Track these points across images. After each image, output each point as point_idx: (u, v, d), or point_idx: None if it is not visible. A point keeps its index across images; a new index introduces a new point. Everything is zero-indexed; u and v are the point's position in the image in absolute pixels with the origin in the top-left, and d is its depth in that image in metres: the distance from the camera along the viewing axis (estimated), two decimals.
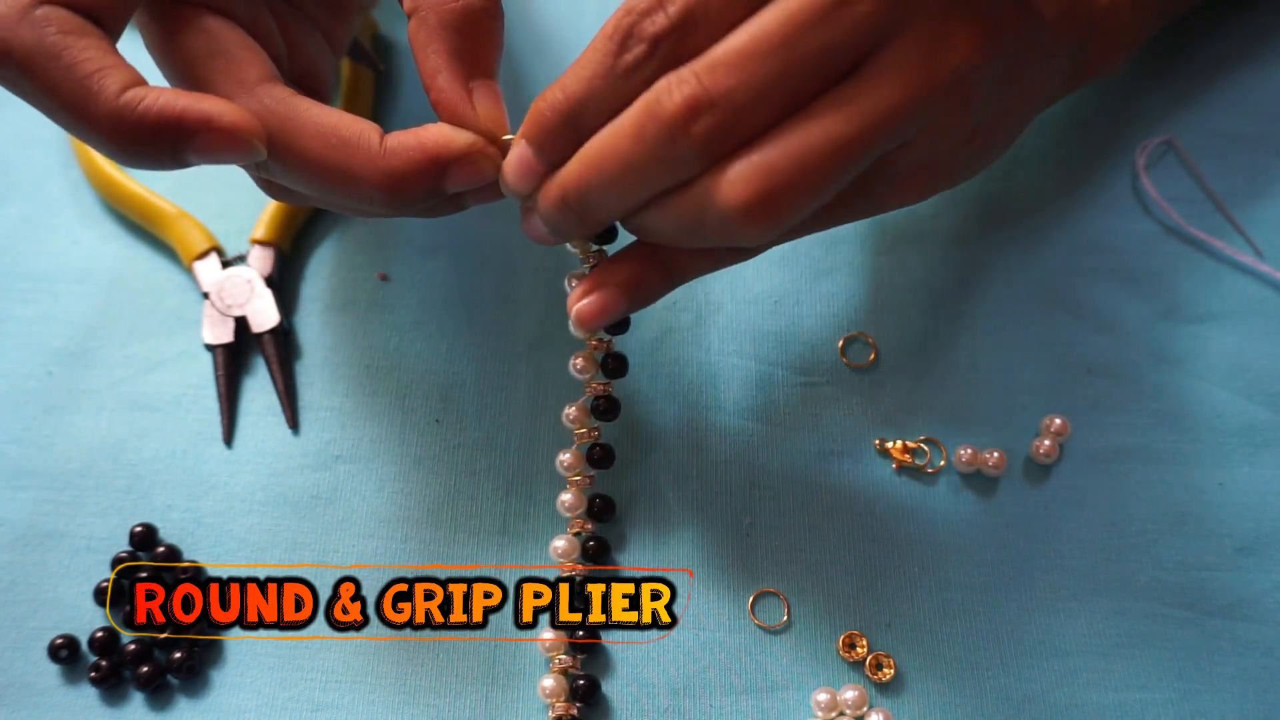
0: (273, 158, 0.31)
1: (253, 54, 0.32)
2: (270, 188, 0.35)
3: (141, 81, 0.29)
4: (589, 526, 0.38)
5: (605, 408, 0.38)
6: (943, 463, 0.39)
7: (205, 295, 0.42)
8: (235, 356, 0.41)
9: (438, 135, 0.32)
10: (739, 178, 0.30)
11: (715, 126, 0.29)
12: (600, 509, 0.38)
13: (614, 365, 0.37)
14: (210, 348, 0.41)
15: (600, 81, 0.31)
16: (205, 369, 0.41)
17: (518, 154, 0.32)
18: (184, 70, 0.32)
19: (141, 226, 0.44)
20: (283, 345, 0.41)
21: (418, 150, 0.32)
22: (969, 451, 0.39)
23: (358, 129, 0.32)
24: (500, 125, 0.33)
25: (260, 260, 0.42)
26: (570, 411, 0.38)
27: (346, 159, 0.31)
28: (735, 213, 0.30)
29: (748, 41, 0.29)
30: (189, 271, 0.42)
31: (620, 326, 0.36)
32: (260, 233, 0.42)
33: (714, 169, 0.30)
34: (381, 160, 0.32)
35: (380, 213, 0.34)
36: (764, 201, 0.30)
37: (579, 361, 0.37)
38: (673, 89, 0.29)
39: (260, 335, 0.41)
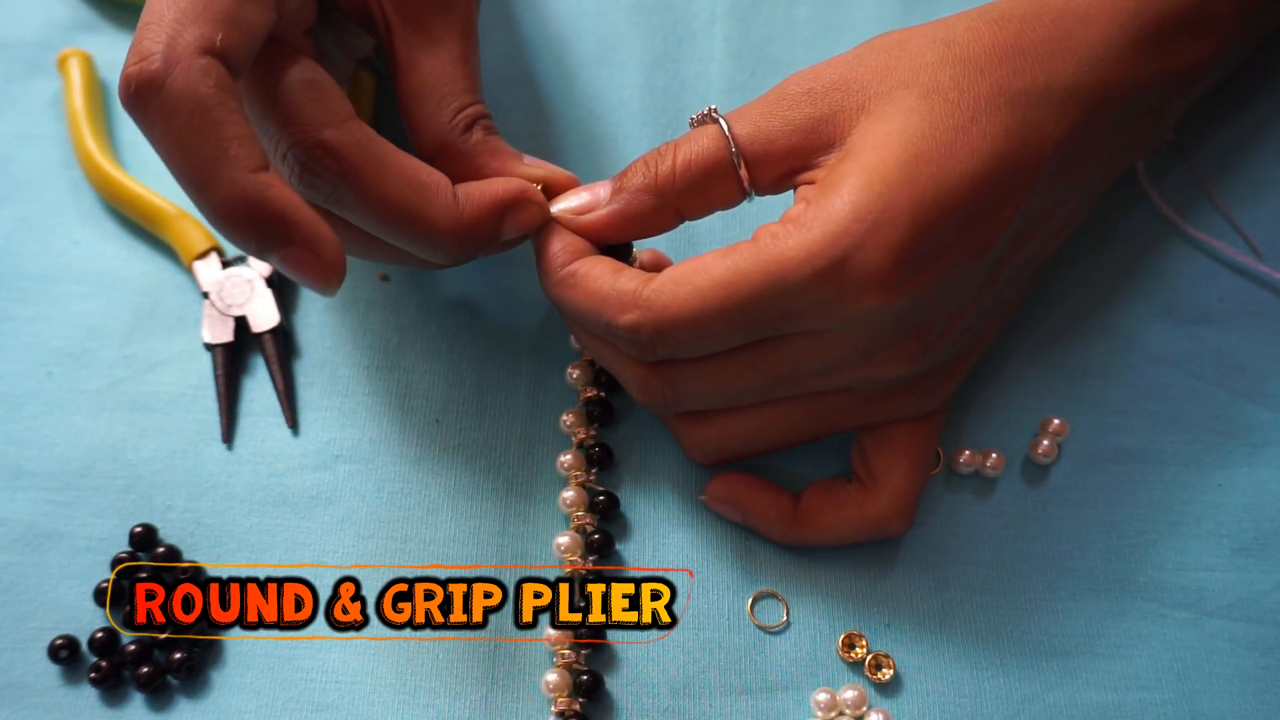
0: (357, 195, 0.32)
1: (338, 90, 0.33)
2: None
3: (267, 165, 0.29)
4: (591, 522, 0.38)
5: (600, 412, 0.39)
6: (941, 465, 0.39)
7: (205, 295, 0.42)
8: (235, 356, 0.41)
9: (501, 183, 0.35)
10: (701, 441, 0.37)
11: (682, 405, 0.36)
12: (604, 504, 0.38)
13: (608, 376, 0.39)
14: (210, 347, 0.41)
15: (590, 317, 0.34)
16: (205, 369, 0.41)
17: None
18: (278, 97, 0.32)
19: (141, 226, 0.44)
20: (283, 345, 0.41)
21: (489, 198, 0.34)
22: (967, 453, 0.39)
23: (435, 177, 0.33)
24: (562, 176, 0.37)
25: (260, 260, 0.42)
26: (567, 418, 0.39)
27: (426, 205, 0.33)
28: (695, 458, 0.38)
29: (720, 374, 0.34)
30: (189, 271, 0.42)
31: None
32: None
33: (681, 419, 0.37)
34: (456, 209, 0.33)
35: (437, 261, 0.35)
36: (721, 460, 0.38)
37: (574, 371, 0.40)
38: (650, 386, 0.35)
39: (260, 335, 0.41)
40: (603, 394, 0.40)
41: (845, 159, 0.32)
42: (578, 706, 0.35)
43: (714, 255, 0.32)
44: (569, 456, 0.39)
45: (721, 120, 0.34)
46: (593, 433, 0.39)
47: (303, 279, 0.30)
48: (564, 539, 0.37)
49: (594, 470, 0.39)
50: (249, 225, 0.29)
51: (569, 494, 0.38)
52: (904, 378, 0.34)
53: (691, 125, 0.35)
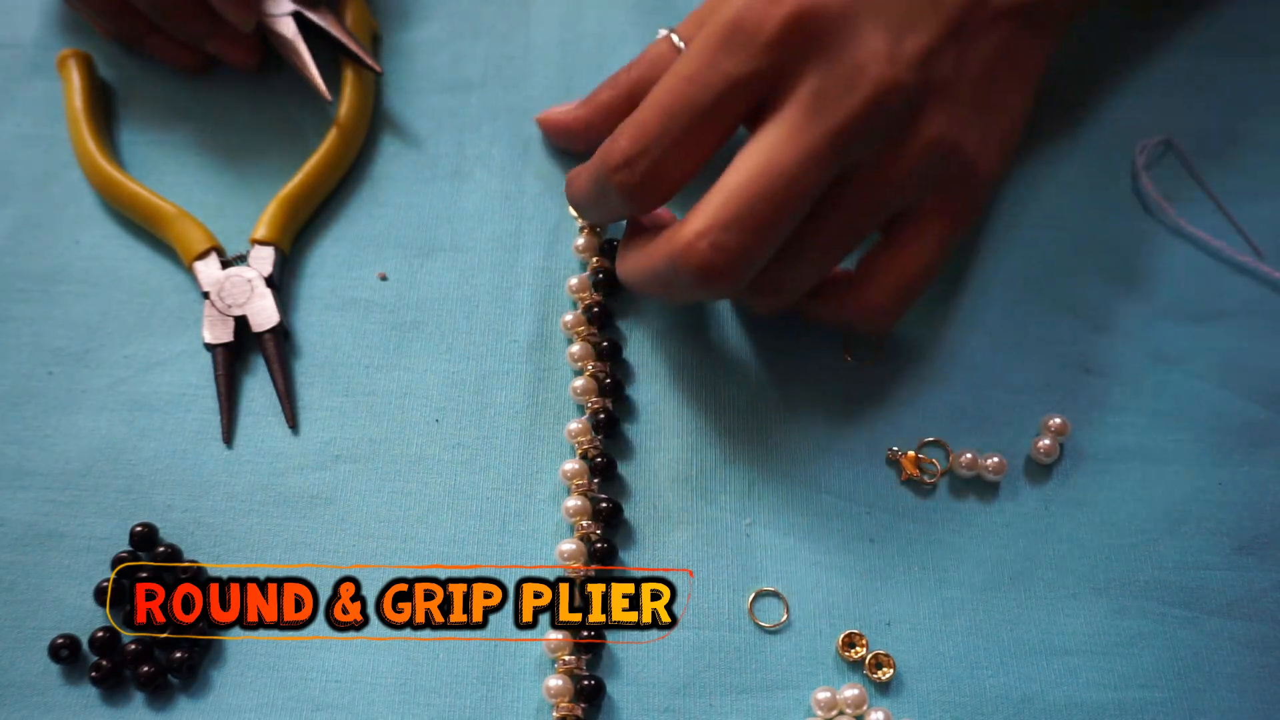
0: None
1: None
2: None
3: None
4: (595, 530, 0.38)
5: (606, 423, 0.39)
6: (945, 468, 0.39)
7: (205, 295, 0.42)
8: (235, 356, 0.41)
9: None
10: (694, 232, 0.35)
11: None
12: (607, 511, 0.38)
13: (613, 384, 0.40)
14: (210, 347, 0.41)
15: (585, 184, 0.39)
16: (205, 369, 0.41)
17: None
18: None
19: (141, 226, 0.44)
20: (283, 345, 0.41)
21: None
22: (969, 457, 0.39)
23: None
24: None
25: (260, 260, 0.42)
26: (573, 427, 0.39)
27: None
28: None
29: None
30: (189, 271, 0.42)
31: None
32: (260, 232, 0.42)
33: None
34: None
35: None
36: (724, 241, 0.34)
37: (579, 383, 0.40)
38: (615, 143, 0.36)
39: (260, 335, 0.41)
40: (609, 404, 0.40)
41: None
42: (579, 712, 0.35)
43: None
44: (572, 465, 0.38)
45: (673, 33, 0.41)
46: (597, 442, 0.39)
47: None
48: (568, 546, 0.37)
49: (596, 480, 0.39)
50: None
51: (572, 503, 0.38)
52: (882, 90, 0.34)
53: None
